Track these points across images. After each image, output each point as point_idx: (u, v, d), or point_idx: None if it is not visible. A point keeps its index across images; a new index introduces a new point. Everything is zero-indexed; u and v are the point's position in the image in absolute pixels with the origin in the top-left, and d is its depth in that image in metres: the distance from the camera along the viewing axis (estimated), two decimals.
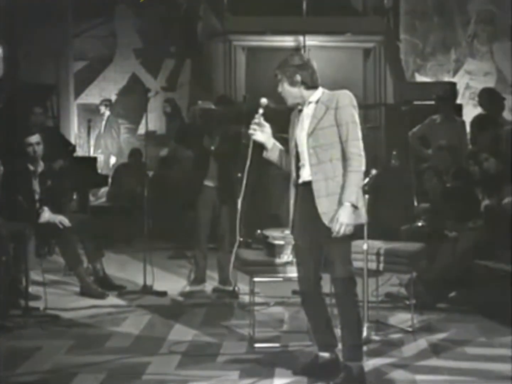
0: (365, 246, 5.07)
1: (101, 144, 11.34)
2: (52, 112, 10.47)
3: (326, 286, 4.44)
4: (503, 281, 5.50)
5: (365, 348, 4.59)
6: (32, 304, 5.73)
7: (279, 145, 4.39)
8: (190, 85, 11.39)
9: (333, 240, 4.07)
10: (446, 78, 10.79)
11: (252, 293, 5.28)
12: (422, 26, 11.09)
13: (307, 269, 4.28)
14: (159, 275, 6.76)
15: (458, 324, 5.46)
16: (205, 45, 11.01)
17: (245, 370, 4.46)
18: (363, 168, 4.11)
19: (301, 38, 9.75)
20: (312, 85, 4.22)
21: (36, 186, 6.34)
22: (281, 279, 5.23)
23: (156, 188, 8.90)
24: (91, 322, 5.62)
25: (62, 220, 6.25)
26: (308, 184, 4.18)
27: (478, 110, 8.77)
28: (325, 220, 4.08)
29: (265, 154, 4.39)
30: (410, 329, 5.27)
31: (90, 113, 11.17)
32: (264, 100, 4.28)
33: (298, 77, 4.20)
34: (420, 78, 11.02)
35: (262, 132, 4.31)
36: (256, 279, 5.19)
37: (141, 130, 11.07)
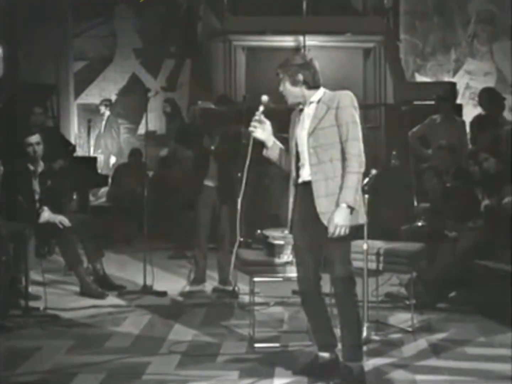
0: (365, 246, 5.07)
1: (101, 144, 11.34)
2: (52, 112, 10.47)
3: (326, 286, 4.44)
4: (503, 281, 5.50)
5: (365, 348, 4.60)
6: (32, 304, 5.73)
7: (279, 144, 4.38)
8: (190, 85, 11.40)
9: (332, 240, 4.07)
10: (446, 78, 10.81)
11: (252, 293, 5.28)
12: (422, 26, 11.10)
13: (306, 269, 4.28)
14: (159, 275, 6.76)
15: (458, 324, 5.46)
16: (205, 45, 11.02)
17: (245, 370, 4.46)
18: (362, 169, 4.10)
19: (301, 38, 9.75)
20: (313, 85, 4.21)
21: (36, 186, 6.34)
22: (281, 279, 5.23)
23: (156, 188, 8.91)
24: (91, 322, 5.61)
25: (62, 220, 6.25)
26: (307, 184, 4.17)
27: (478, 110, 8.78)
28: (324, 220, 4.08)
29: (265, 152, 4.39)
30: (410, 329, 5.27)
31: (90, 113, 11.19)
32: (265, 98, 4.27)
33: (300, 77, 4.19)
34: (420, 78, 11.03)
35: (262, 130, 4.30)
36: (256, 279, 5.19)
37: (141, 130, 11.08)
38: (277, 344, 4.98)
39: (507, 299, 5.28)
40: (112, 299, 6.31)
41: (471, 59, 11.05)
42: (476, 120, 7.89)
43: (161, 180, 9.39)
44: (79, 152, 10.60)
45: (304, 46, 9.68)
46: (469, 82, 10.96)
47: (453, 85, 9.69)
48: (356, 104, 4.15)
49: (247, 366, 4.53)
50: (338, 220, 4.02)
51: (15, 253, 5.89)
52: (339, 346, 4.30)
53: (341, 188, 4.05)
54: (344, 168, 4.08)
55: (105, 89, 11.47)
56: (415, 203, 7.51)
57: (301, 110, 4.26)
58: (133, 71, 11.49)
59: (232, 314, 5.83)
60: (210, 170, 6.59)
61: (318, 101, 4.19)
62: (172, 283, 6.83)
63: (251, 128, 4.29)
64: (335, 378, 4.21)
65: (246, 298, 5.88)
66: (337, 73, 9.26)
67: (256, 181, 7.41)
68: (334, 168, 4.11)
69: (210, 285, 6.69)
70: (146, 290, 6.48)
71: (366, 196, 4.71)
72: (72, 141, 10.55)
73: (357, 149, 4.07)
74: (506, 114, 8.87)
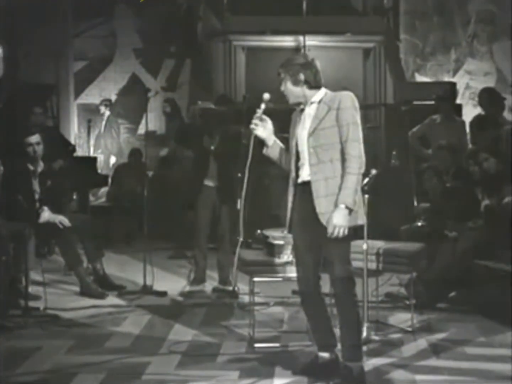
0: (365, 246, 5.07)
1: (101, 144, 11.34)
2: (52, 112, 10.48)
3: (326, 286, 4.44)
4: (503, 281, 5.50)
5: (365, 348, 4.60)
6: (32, 304, 5.73)
7: (279, 143, 4.38)
8: (190, 85, 11.40)
9: (332, 240, 4.06)
10: (446, 78, 10.80)
11: (252, 293, 5.28)
12: (422, 26, 11.09)
13: (306, 269, 4.28)
14: (159, 275, 6.76)
15: (458, 324, 5.46)
16: (205, 45, 11.01)
17: (245, 370, 4.46)
18: (362, 170, 4.10)
19: (301, 38, 9.74)
20: (315, 85, 4.21)
21: (36, 186, 6.34)
22: (280, 279, 5.23)
23: (156, 188, 8.91)
24: (91, 322, 5.61)
25: (62, 220, 6.25)
26: (307, 184, 4.17)
27: (478, 110, 8.77)
28: (324, 221, 4.07)
29: (265, 151, 4.38)
30: (410, 329, 5.27)
31: (90, 113, 11.19)
32: (267, 95, 4.25)
33: (302, 76, 4.19)
34: (420, 78, 11.03)
35: (264, 128, 4.29)
36: (256, 279, 5.19)
37: (141, 130, 11.08)
38: (277, 344, 4.98)
39: (507, 299, 5.28)
40: (112, 299, 6.31)
41: (471, 59, 11.05)
42: (476, 120, 7.88)
43: (161, 180, 9.39)
44: (79, 152, 10.59)
45: (304, 46, 9.67)
46: (469, 82, 10.96)
47: (453, 85, 9.68)
48: (357, 105, 4.15)
49: (247, 366, 4.53)
50: (337, 221, 4.02)
51: (15, 253, 5.90)
52: (339, 346, 4.30)
53: (340, 188, 4.05)
54: (343, 168, 4.08)
55: (105, 89, 11.47)
56: (415, 203, 7.51)
57: (302, 110, 4.26)
58: (133, 71, 11.49)
59: (232, 314, 5.82)
60: (210, 170, 6.58)
61: (319, 101, 4.19)
62: (172, 283, 6.83)
63: (252, 126, 4.27)
64: (335, 378, 4.21)
65: (246, 298, 5.88)
66: (337, 73, 9.25)
67: (256, 181, 7.40)
68: (334, 168, 4.11)
69: (210, 285, 6.69)
70: (146, 290, 6.48)
71: (366, 196, 4.71)
72: (72, 141, 10.55)
73: (357, 150, 4.07)
74: (506, 114, 8.86)
